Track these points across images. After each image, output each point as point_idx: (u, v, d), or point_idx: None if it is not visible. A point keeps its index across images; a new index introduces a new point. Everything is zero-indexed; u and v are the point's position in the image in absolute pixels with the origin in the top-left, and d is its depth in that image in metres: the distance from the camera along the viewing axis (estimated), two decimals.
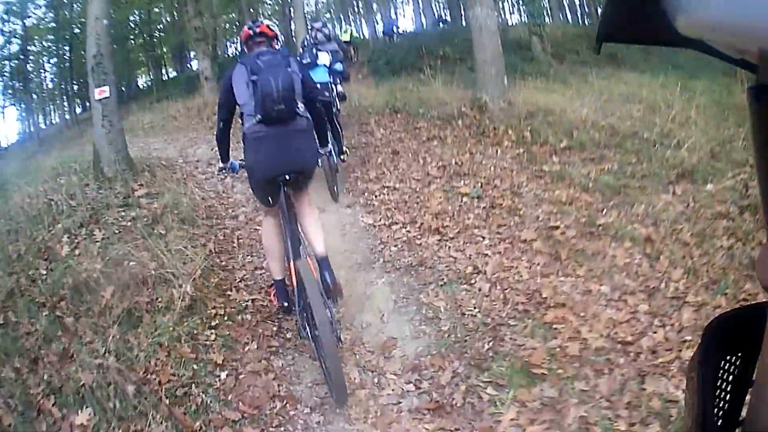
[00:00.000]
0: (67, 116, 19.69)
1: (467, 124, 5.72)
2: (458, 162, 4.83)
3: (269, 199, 2.58)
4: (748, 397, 0.44)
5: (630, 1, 0.37)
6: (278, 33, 2.77)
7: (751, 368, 0.44)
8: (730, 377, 0.44)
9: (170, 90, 15.43)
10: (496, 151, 4.99)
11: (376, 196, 4.63)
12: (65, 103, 20.33)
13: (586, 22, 21.75)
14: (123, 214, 4.00)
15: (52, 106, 21.08)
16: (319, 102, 2.74)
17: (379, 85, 10.52)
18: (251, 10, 17.96)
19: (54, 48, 18.47)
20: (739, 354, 0.44)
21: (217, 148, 2.79)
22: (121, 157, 4.89)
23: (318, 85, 3.50)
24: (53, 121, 20.82)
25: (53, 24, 17.66)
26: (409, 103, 7.11)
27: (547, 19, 15.10)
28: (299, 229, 2.60)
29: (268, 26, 2.73)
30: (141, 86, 21.55)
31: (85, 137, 9.90)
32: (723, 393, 0.44)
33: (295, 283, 2.47)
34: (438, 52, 12.35)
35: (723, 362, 0.44)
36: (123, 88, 19.75)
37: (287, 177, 2.45)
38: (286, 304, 2.65)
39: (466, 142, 5.28)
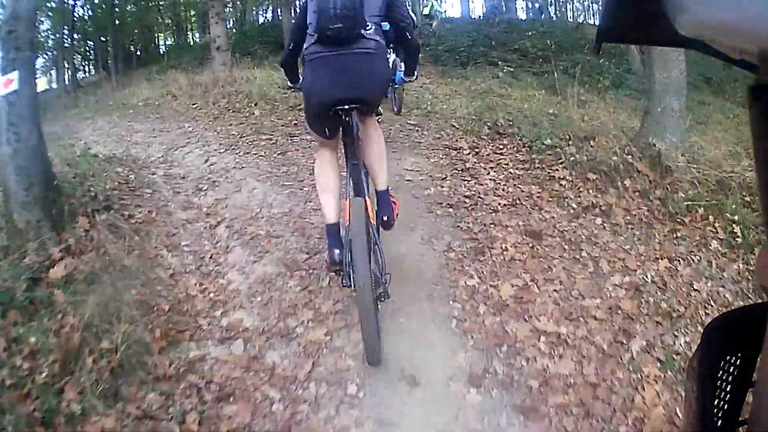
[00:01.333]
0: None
1: (640, 190, 3.59)
2: (654, 280, 2.83)
3: (326, 130, 2.30)
4: (748, 397, 0.43)
5: (630, 1, 0.37)
6: None
7: (751, 368, 0.44)
8: (730, 377, 0.45)
9: (184, 57, 13.59)
10: (710, 263, 3.02)
11: (525, 361, 2.30)
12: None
13: None
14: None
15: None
16: (409, 31, 2.40)
17: (448, 78, 8.84)
18: None
19: None
20: (739, 354, 0.44)
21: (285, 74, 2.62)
22: (37, 196, 2.77)
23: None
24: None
25: None
26: (517, 121, 4.97)
27: None
28: (362, 161, 2.30)
29: None
30: (159, 51, 19.39)
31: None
32: (723, 393, 0.44)
33: (348, 223, 2.13)
34: (513, 46, 11.08)
35: (723, 362, 0.44)
36: (139, 51, 18.52)
37: (346, 106, 2.14)
38: (338, 252, 2.25)
39: (650, 228, 3.28)
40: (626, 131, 4.45)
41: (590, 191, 3.57)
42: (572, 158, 3.85)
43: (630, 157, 3.74)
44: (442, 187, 3.66)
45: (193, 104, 6.92)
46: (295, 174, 3.89)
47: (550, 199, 3.50)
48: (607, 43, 0.40)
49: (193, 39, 20.60)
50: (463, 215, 3.29)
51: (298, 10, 2.54)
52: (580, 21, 19.35)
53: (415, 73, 2.76)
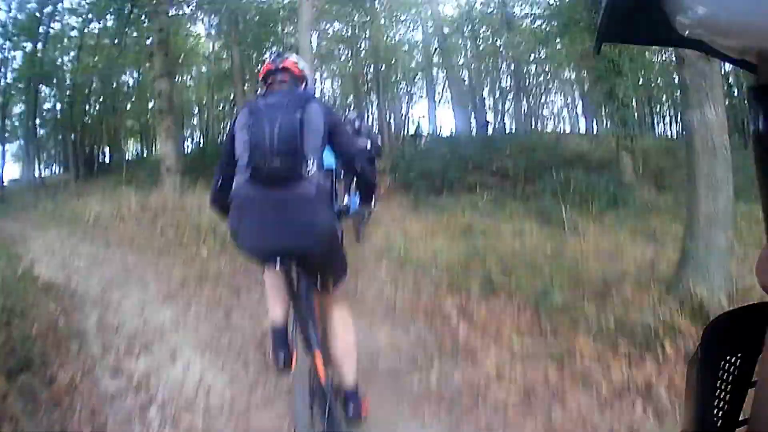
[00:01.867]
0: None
1: (685, 355, 2.77)
2: None
3: (273, 267, 1.91)
4: (748, 397, 0.43)
5: (630, 1, 0.38)
6: (307, 75, 2.18)
7: (751, 368, 0.44)
8: (730, 377, 0.45)
9: (144, 170, 13.22)
10: None
11: None
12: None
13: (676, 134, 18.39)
14: None
15: None
16: (359, 159, 2.10)
17: (421, 210, 8.01)
18: (245, 86, 14.79)
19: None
20: (739, 354, 0.45)
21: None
22: None
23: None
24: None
25: None
26: (513, 269, 4.13)
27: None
28: (316, 322, 2.06)
29: (295, 63, 2.13)
30: (124, 157, 19.51)
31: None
32: (723, 393, 0.45)
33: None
34: (491, 166, 10.35)
35: (723, 362, 0.45)
36: (103, 156, 18.50)
37: (281, 259, 1.82)
38: (283, 355, 2.02)
39: None
40: (655, 275, 3.72)
41: (622, 365, 2.75)
42: (594, 321, 3.09)
43: (667, 312, 3.02)
44: (429, 375, 2.81)
45: (141, 233, 6.76)
46: (239, 348, 3.27)
47: (573, 383, 2.65)
48: (607, 43, 0.41)
49: (148, 149, 20.55)
50: (461, 419, 2.44)
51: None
52: (558, 131, 20.03)
53: (373, 202, 2.45)
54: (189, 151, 15.17)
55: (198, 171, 11.05)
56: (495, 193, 7.91)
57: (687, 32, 0.32)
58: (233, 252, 4.85)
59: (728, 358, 0.45)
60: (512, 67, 19.72)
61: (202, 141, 19.09)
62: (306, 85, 2.18)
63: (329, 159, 2.08)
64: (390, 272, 4.49)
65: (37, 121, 15.58)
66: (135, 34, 14.52)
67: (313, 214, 1.85)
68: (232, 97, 16.24)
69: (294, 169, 1.79)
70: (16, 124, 16.05)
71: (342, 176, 4.08)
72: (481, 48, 19.90)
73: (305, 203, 1.82)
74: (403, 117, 21.63)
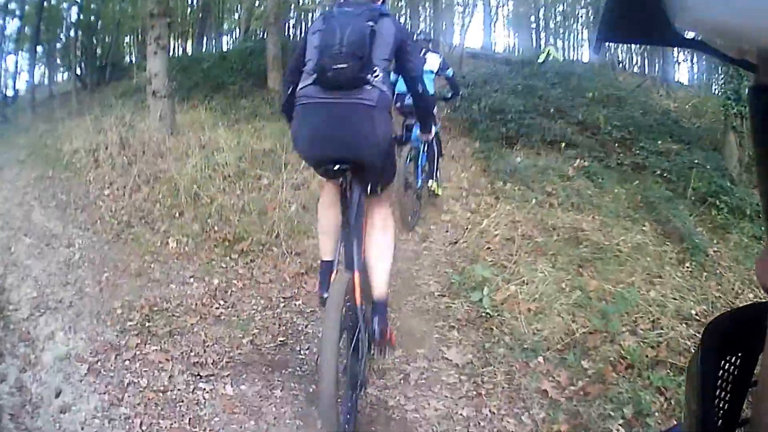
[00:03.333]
0: None
1: None
2: None
3: (325, 173, 2.09)
4: (748, 397, 0.45)
5: (630, 1, 0.38)
6: None
7: (751, 368, 0.45)
8: (730, 377, 0.46)
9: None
10: None
11: None
12: None
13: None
14: None
15: None
16: (421, 83, 2.23)
17: (494, 178, 5.79)
18: None
19: None
20: (739, 354, 0.46)
21: None
22: None
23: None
24: None
25: None
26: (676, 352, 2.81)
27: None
28: (362, 242, 2.10)
29: None
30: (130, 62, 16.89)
31: None
32: (723, 393, 0.46)
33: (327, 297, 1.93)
34: (575, 114, 7.89)
35: (723, 362, 0.45)
36: (108, 64, 15.83)
37: (338, 166, 1.94)
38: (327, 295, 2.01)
39: None
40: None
41: None
42: None
43: None
44: None
45: (106, 189, 5.14)
46: None
47: None
48: (607, 43, 0.39)
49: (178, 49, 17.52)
50: None
51: (291, 35, 2.38)
52: (646, 74, 15.77)
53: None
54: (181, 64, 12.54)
55: (198, 89, 9.86)
56: (586, 156, 6.19)
57: (687, 32, 0.32)
58: (213, 249, 3.88)
59: (728, 358, 0.45)
60: None
61: (195, 52, 16.65)
62: (383, 1, 2.24)
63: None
64: (466, 353, 2.81)
65: (42, 26, 13.90)
66: None
67: (373, 123, 1.94)
68: None
69: (359, 74, 1.88)
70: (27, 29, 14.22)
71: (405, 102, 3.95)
72: None
73: (367, 111, 1.92)
74: (462, 31, 18.69)
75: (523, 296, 3.22)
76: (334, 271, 2.10)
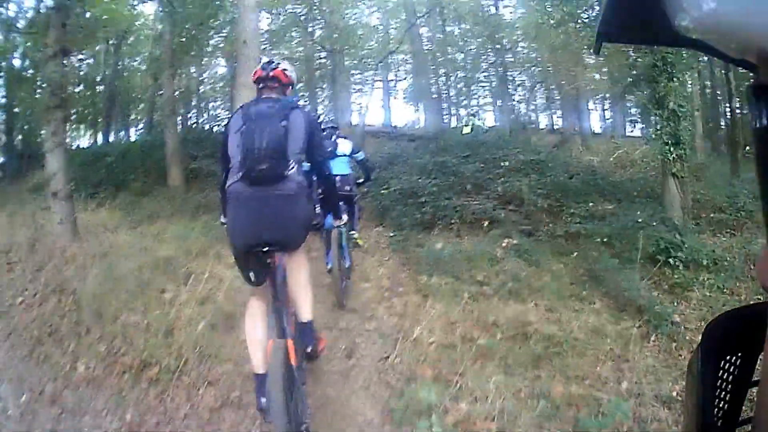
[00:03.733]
0: None
1: None
2: None
3: (251, 275, 2.51)
4: (748, 397, 0.47)
5: (630, 1, 0.40)
6: (294, 80, 2.84)
7: (751, 368, 0.47)
8: (730, 377, 0.47)
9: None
10: None
11: None
12: None
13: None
14: None
15: None
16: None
17: (415, 267, 5.35)
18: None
19: None
20: (739, 354, 0.47)
21: None
22: None
23: (337, 177, 3.91)
24: None
25: None
26: None
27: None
28: (285, 302, 2.56)
29: (284, 71, 2.73)
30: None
31: None
32: (723, 393, 0.47)
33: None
34: (494, 187, 7.53)
35: (723, 362, 0.47)
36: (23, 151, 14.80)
37: (266, 249, 2.43)
38: (265, 400, 2.42)
39: None
40: None
41: None
42: None
43: None
44: None
45: (19, 296, 4.70)
46: None
47: None
48: (607, 43, 0.43)
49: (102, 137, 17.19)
50: None
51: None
52: (565, 132, 15.89)
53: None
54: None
55: (107, 182, 9.67)
56: (513, 233, 5.90)
57: (687, 32, 0.34)
58: (128, 367, 3.48)
59: (728, 358, 0.47)
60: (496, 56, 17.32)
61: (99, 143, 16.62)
62: (293, 87, 2.80)
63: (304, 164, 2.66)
64: None
65: None
66: None
67: (294, 209, 2.42)
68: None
69: (278, 170, 2.35)
70: None
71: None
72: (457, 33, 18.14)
73: (287, 200, 2.39)
74: (360, 109, 19.01)
75: (478, 416, 2.88)
76: (270, 342, 2.42)
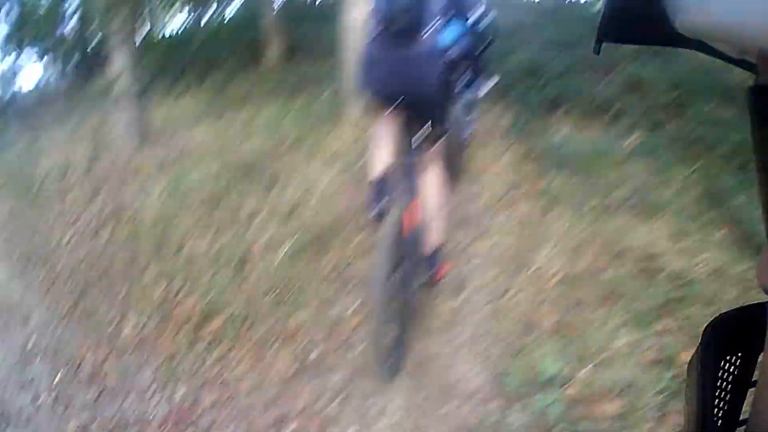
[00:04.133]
0: None
1: None
2: None
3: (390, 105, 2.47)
4: (748, 397, 0.47)
5: (630, 1, 0.40)
6: None
7: (751, 368, 0.47)
8: (730, 377, 0.47)
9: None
10: None
11: None
12: None
13: None
14: None
15: None
16: (477, 25, 2.73)
17: (539, 167, 4.46)
18: None
19: None
20: (739, 354, 0.47)
21: None
22: None
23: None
24: None
25: None
26: None
27: None
28: (418, 160, 2.48)
29: None
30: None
31: None
32: (723, 393, 0.47)
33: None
34: (618, 71, 6.14)
35: (723, 362, 0.47)
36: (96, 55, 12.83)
37: (401, 99, 2.36)
38: (379, 208, 2.44)
39: None
40: None
41: None
42: None
43: None
44: None
45: (68, 232, 4.14)
46: None
47: None
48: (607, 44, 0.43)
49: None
50: None
51: None
52: None
53: (488, 78, 2.98)
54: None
55: (182, 71, 8.48)
56: (637, 128, 4.81)
57: (687, 32, 0.33)
58: (185, 320, 3.02)
59: (728, 358, 0.47)
60: None
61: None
62: None
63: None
64: None
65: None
66: None
67: (431, 70, 2.30)
68: None
69: (415, 31, 2.23)
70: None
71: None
72: None
73: (427, 58, 2.28)
74: None
75: (601, 390, 2.31)
76: (387, 198, 2.39)
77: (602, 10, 0.41)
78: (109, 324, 3.18)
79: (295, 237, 3.49)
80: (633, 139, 4.84)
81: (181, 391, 2.64)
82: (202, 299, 3.10)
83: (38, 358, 3.07)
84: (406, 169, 2.38)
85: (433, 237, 2.51)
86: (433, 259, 2.53)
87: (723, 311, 0.48)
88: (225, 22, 13.18)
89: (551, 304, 2.92)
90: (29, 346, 3.15)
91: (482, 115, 5.47)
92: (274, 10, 9.02)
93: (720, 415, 0.46)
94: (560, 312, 2.83)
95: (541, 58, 6.84)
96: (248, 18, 10.86)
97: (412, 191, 2.34)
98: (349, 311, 2.92)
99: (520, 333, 2.72)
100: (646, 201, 3.89)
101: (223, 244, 3.55)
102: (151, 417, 2.53)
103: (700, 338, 0.46)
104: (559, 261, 3.23)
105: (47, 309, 3.47)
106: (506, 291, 3.06)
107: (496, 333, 2.78)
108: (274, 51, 8.53)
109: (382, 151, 2.50)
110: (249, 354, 2.79)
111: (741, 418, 0.47)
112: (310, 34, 9.06)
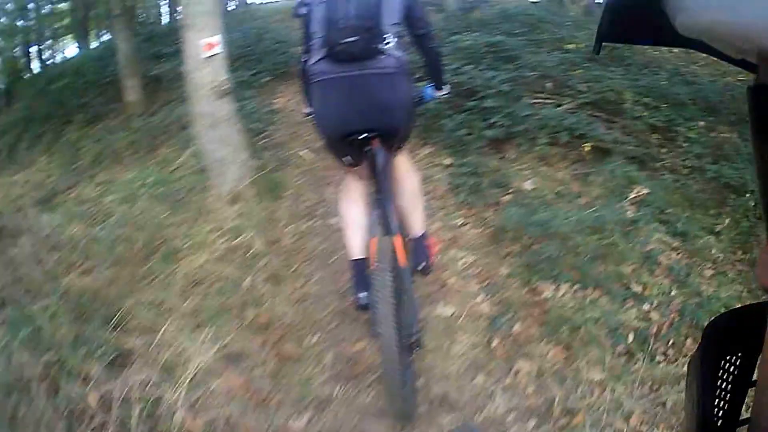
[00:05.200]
0: None
1: None
2: None
3: (346, 158, 2.26)
4: (748, 397, 0.47)
5: (630, 1, 0.40)
6: None
7: (751, 368, 0.47)
8: (730, 377, 0.48)
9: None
10: None
11: None
12: None
13: None
14: None
15: None
16: (430, 37, 2.32)
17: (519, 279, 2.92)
18: None
19: None
20: (739, 354, 0.48)
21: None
22: None
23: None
24: None
25: None
26: None
27: None
28: (389, 196, 2.27)
29: None
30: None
31: None
32: (723, 393, 0.48)
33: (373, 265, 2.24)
34: (572, 79, 4.65)
35: (723, 362, 0.47)
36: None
37: (365, 135, 2.12)
38: (364, 295, 2.21)
39: None
40: None
41: None
42: None
43: None
44: None
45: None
46: None
47: None
48: (607, 44, 0.42)
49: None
50: None
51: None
52: None
53: (445, 85, 2.59)
54: None
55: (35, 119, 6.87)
56: (626, 164, 3.64)
57: (687, 32, 0.33)
58: None
59: (728, 357, 0.47)
60: None
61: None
62: None
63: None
64: None
65: None
66: None
67: (393, 90, 2.08)
68: None
69: (371, 44, 1.97)
70: None
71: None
72: None
73: (385, 80, 2.04)
74: None
75: None
76: (373, 239, 2.21)
77: (602, 11, 0.41)
78: None
79: None
80: (637, 193, 3.37)
81: None
82: None
83: None
84: (384, 205, 2.13)
85: (418, 225, 2.35)
86: (423, 246, 2.35)
87: (723, 311, 0.49)
88: (89, 52, 10.27)
89: None
90: None
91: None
92: (130, 36, 6.62)
93: (720, 414, 0.46)
94: None
95: (475, 76, 4.40)
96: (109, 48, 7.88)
97: (393, 225, 2.07)
98: None
99: None
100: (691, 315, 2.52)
101: None
102: None
103: (700, 338, 0.46)
104: None
105: None
106: None
107: None
108: (134, 86, 6.28)
109: (355, 224, 2.24)
110: None
111: (741, 417, 0.47)
112: (176, 57, 5.55)
